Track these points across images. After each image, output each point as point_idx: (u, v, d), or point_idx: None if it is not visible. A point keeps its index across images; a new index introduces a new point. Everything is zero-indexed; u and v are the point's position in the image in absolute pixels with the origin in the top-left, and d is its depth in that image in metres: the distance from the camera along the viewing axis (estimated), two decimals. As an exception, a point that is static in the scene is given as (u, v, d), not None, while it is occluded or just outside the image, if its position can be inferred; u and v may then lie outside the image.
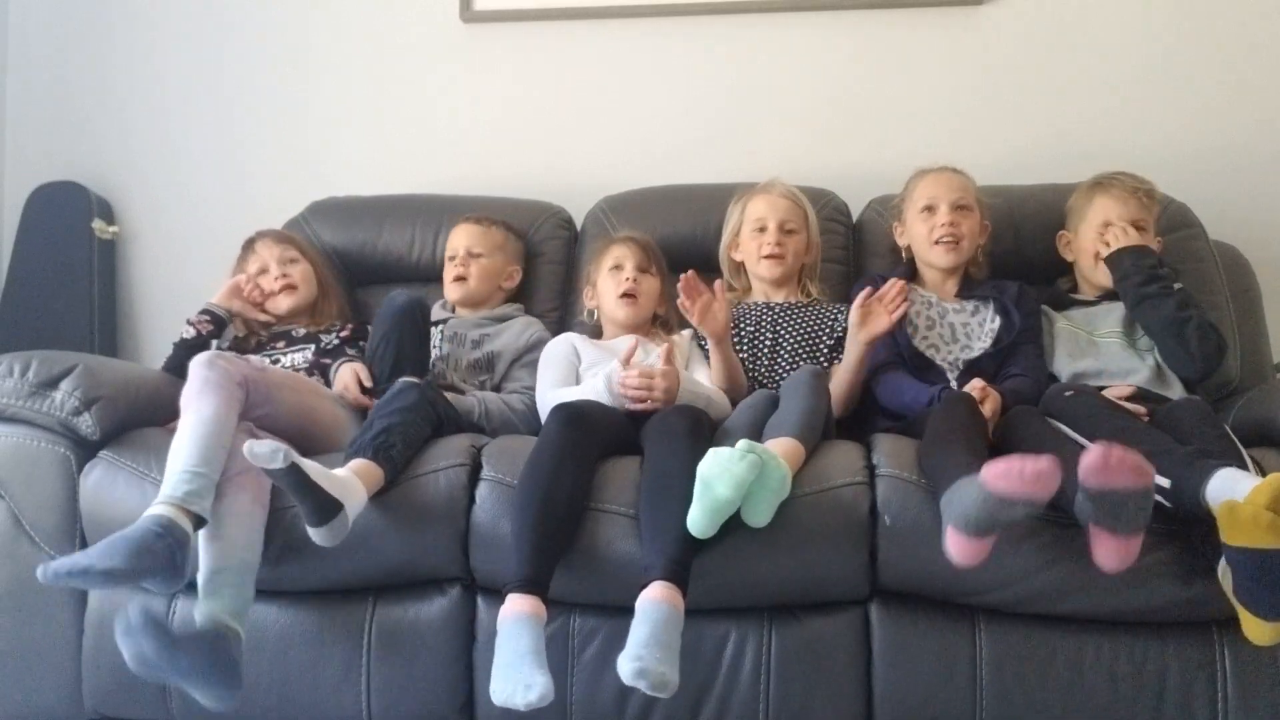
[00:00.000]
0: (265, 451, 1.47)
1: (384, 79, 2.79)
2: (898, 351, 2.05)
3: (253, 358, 2.00)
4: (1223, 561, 1.50)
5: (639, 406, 1.89)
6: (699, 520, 1.54)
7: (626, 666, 1.41)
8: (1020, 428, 1.72)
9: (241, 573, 1.61)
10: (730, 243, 2.30)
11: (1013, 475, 1.36)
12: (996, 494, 1.38)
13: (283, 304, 2.28)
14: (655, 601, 1.48)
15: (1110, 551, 1.45)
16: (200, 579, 1.60)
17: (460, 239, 2.34)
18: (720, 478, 1.51)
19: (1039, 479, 1.36)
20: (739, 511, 1.57)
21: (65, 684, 1.79)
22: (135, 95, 2.86)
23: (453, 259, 2.33)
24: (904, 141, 2.58)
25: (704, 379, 2.09)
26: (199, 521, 1.58)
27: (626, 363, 1.93)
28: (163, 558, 1.51)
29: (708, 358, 2.12)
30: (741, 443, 1.55)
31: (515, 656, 1.46)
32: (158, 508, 1.56)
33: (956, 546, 1.46)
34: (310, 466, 1.53)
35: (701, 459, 1.59)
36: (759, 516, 1.57)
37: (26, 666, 1.80)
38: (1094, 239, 2.10)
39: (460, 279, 2.30)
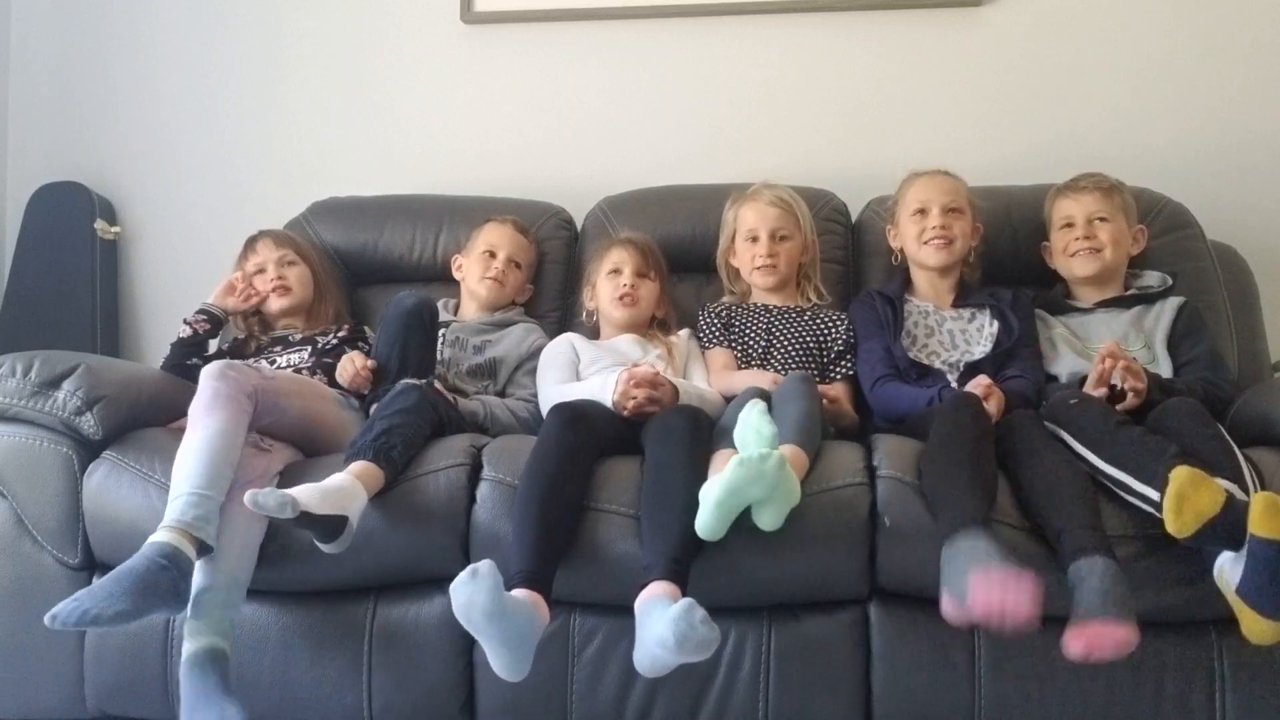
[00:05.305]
0: (273, 504, 1.48)
1: (385, 79, 2.79)
2: (894, 364, 2.04)
3: (262, 365, 2.00)
4: (1219, 561, 1.50)
5: (637, 409, 1.87)
6: (708, 520, 1.53)
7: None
8: (1017, 440, 1.70)
9: (230, 590, 1.61)
10: (726, 248, 2.30)
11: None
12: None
13: (274, 305, 2.29)
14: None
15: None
16: (191, 593, 1.58)
17: (505, 243, 2.33)
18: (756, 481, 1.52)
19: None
20: (745, 513, 1.57)
21: (68, 682, 1.80)
22: (137, 96, 2.87)
23: (492, 256, 2.31)
24: (903, 142, 2.58)
25: (700, 380, 2.10)
26: (203, 547, 1.58)
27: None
28: (168, 592, 1.51)
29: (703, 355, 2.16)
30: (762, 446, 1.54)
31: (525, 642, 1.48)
32: (163, 534, 1.55)
33: (951, 610, 1.46)
34: (313, 501, 1.53)
35: (702, 459, 1.60)
36: (771, 519, 1.56)
37: (30, 665, 1.81)
38: (1060, 239, 2.14)
39: (498, 282, 2.30)
